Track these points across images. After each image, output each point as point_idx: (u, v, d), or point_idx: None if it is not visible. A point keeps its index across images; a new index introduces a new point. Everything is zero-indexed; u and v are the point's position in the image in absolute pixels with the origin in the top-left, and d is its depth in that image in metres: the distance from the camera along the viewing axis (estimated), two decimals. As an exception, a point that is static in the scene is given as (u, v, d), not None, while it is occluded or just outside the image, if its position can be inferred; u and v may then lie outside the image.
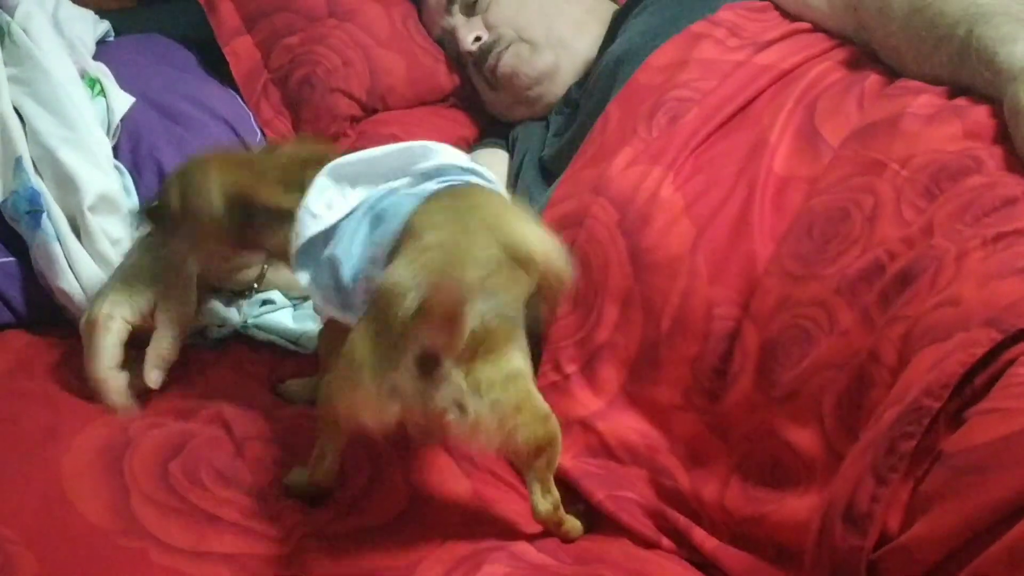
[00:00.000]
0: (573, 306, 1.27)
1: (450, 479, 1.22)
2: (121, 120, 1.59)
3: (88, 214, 1.42)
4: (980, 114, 1.19)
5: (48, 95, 1.49)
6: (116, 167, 1.53)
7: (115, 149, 1.57)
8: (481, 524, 1.17)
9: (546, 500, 1.10)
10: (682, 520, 1.18)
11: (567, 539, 1.16)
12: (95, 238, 1.41)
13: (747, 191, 1.24)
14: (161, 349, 1.31)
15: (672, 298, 1.22)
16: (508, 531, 1.16)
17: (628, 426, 1.24)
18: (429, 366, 1.00)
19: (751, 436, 1.15)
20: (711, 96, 1.34)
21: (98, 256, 1.41)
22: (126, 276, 1.34)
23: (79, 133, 1.47)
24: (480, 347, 1.01)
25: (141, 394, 1.30)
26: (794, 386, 1.11)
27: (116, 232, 1.44)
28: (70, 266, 1.41)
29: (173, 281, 1.34)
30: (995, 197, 1.09)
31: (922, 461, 0.92)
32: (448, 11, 1.80)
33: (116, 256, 1.41)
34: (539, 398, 1.07)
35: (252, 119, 1.75)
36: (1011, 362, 0.92)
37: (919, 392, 0.93)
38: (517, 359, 1.05)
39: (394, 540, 1.13)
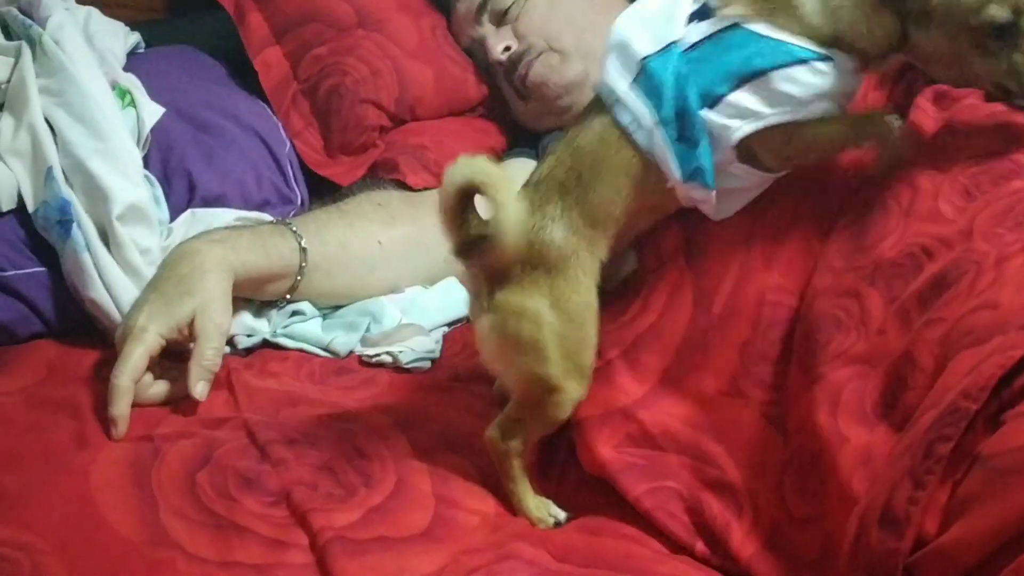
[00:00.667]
0: (619, 291, 1.26)
1: (476, 495, 1.22)
2: (151, 131, 1.60)
3: (117, 224, 1.43)
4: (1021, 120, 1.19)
5: (79, 106, 1.50)
6: (146, 177, 1.54)
7: (145, 159, 1.58)
8: (502, 537, 1.16)
9: (496, 430, 1.17)
10: (720, 518, 1.15)
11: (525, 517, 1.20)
12: (124, 248, 1.42)
13: (807, 182, 1.23)
14: (205, 360, 1.31)
15: (726, 284, 1.21)
16: (528, 543, 1.15)
17: (670, 412, 1.21)
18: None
19: (800, 428, 1.13)
20: None
21: (127, 266, 1.42)
22: (163, 287, 1.34)
23: (109, 144, 1.48)
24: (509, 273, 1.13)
25: (179, 402, 1.32)
26: (821, 371, 1.10)
27: (145, 242, 1.45)
28: (100, 276, 1.42)
29: (214, 290, 1.34)
30: None
31: (960, 464, 0.92)
32: (477, 21, 1.80)
33: (145, 266, 1.42)
34: (553, 363, 1.13)
35: (281, 130, 1.75)
36: None
37: (957, 395, 0.93)
38: (539, 303, 1.12)
39: (418, 548, 1.13)
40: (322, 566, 1.10)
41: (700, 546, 1.16)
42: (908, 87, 1.30)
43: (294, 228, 1.49)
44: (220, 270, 1.37)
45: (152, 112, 1.62)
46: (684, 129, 1.14)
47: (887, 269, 1.11)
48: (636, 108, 1.16)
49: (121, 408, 1.27)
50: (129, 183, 1.47)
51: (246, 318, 1.46)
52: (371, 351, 1.43)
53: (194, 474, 1.20)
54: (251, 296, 1.47)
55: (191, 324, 1.33)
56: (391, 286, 1.55)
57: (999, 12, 1.08)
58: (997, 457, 0.89)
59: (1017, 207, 1.09)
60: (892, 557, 0.92)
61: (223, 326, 1.35)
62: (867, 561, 0.94)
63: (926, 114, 1.25)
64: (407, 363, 1.41)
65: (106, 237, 1.44)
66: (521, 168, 1.67)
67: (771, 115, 1.13)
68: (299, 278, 1.47)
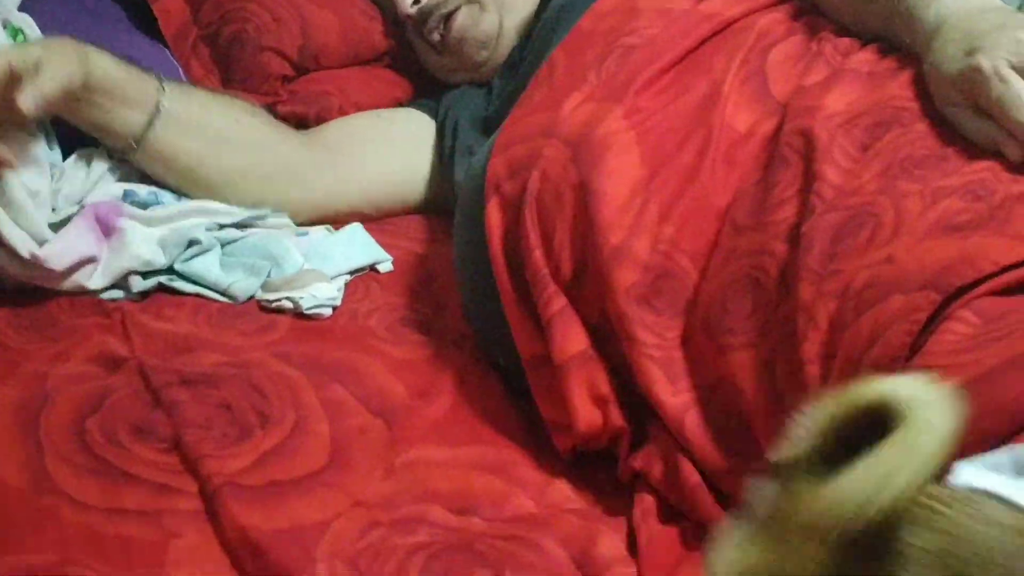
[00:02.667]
0: (541, 242, 1.24)
1: (374, 441, 1.21)
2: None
3: None
4: (914, 73, 1.18)
5: None
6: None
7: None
8: (400, 488, 1.15)
9: None
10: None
11: None
12: (12, 189, 1.36)
13: (701, 141, 1.22)
14: (42, 83, 1.32)
15: (618, 230, 1.19)
16: (425, 498, 1.14)
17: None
18: None
19: (708, 385, 1.14)
20: (658, 39, 1.33)
21: (16, 209, 1.37)
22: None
23: None
24: None
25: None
26: (746, 337, 1.10)
27: (35, 185, 1.40)
28: None
29: (68, 52, 1.38)
30: (926, 149, 1.09)
31: None
32: None
33: (35, 208, 1.38)
34: None
35: (181, 75, 1.71)
36: (946, 319, 0.93)
37: (870, 367, 0.94)
38: None
39: (311, 495, 1.11)
40: (211, 513, 1.08)
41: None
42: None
43: (159, 76, 1.50)
44: (79, 52, 1.39)
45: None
46: None
47: (794, 222, 1.10)
48: None
49: None
50: None
51: (141, 249, 1.42)
52: (271, 296, 1.40)
53: (84, 420, 1.17)
54: (102, 124, 1.46)
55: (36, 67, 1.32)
56: (238, 173, 1.53)
57: None
58: None
59: (908, 155, 1.09)
60: None
61: (74, 75, 1.37)
62: None
63: (826, 63, 1.25)
64: (307, 309, 1.39)
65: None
66: (408, 117, 1.66)
67: None
68: (155, 116, 1.46)
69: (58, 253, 1.37)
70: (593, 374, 1.20)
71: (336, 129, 1.66)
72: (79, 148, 1.50)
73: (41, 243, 1.37)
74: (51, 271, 1.37)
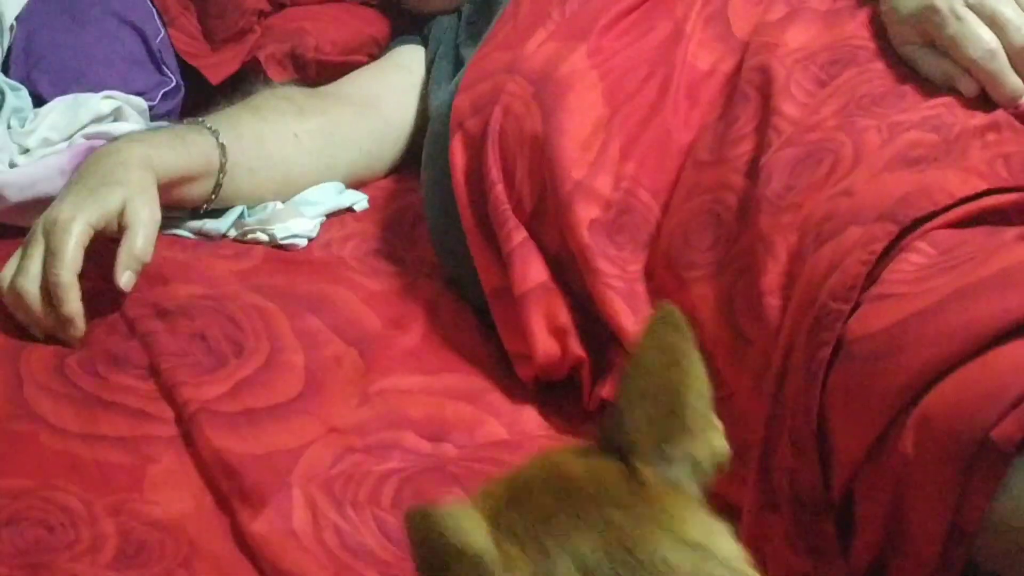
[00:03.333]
0: (502, 176, 1.26)
1: (348, 369, 1.22)
2: (16, 18, 1.56)
3: None
4: (871, 12, 1.21)
5: None
6: (5, 84, 1.50)
7: (9, 50, 1.54)
8: (373, 416, 1.17)
9: None
10: None
11: None
12: None
13: (663, 79, 1.24)
14: (136, 249, 1.22)
15: (579, 166, 1.21)
16: (398, 425, 1.16)
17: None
18: None
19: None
20: None
21: None
22: (87, 181, 1.27)
23: None
24: None
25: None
26: (706, 270, 1.12)
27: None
28: None
29: (141, 182, 1.28)
30: (884, 86, 1.12)
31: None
32: None
33: None
34: None
35: (155, 15, 1.70)
36: (903, 250, 0.95)
37: (826, 295, 0.95)
38: None
39: (285, 422, 1.13)
40: (187, 438, 1.10)
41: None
42: None
43: (208, 125, 1.43)
44: (143, 168, 1.30)
45: (13, 3, 1.56)
46: None
47: (751, 157, 1.12)
48: None
49: (74, 304, 1.19)
50: None
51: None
52: (245, 230, 1.42)
53: (64, 357, 1.19)
54: (175, 203, 1.39)
55: (120, 215, 1.25)
56: (315, 181, 1.51)
57: None
58: (858, 343, 0.92)
59: (866, 92, 1.11)
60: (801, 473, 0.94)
61: (155, 215, 1.27)
62: (792, 487, 0.96)
63: (786, 2, 1.27)
64: (282, 239, 1.40)
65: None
66: (413, 55, 1.66)
67: None
68: (222, 175, 1.41)
69: (15, 184, 1.36)
70: (552, 305, 1.22)
71: (362, 86, 1.63)
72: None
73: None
74: (6, 201, 1.36)
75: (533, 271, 1.23)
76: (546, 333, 1.21)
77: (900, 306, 0.91)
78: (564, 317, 1.22)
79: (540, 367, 1.22)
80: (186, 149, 1.38)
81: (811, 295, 0.97)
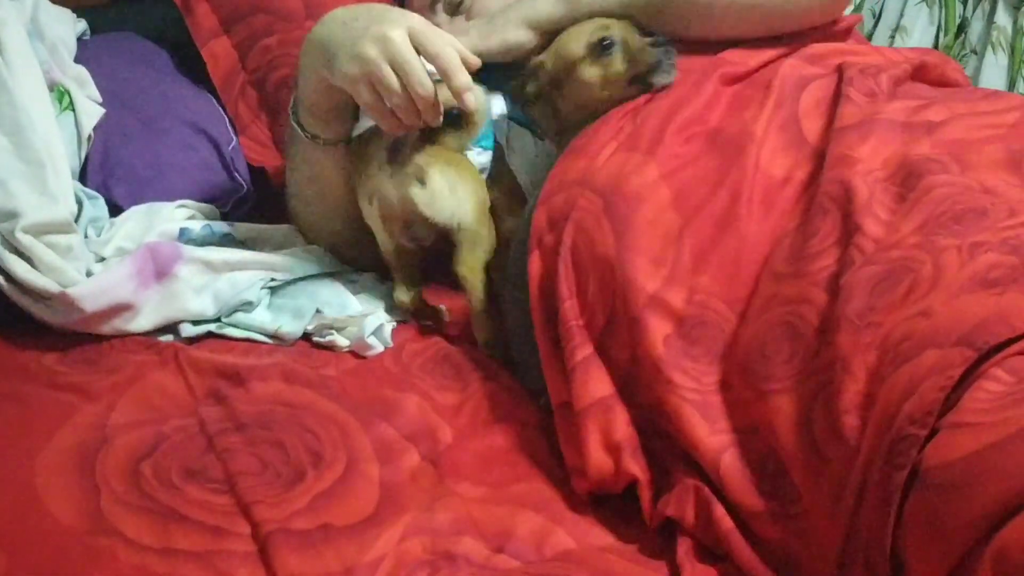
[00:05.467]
0: (574, 292, 1.27)
1: (422, 480, 1.24)
2: (94, 128, 1.60)
3: (20, 234, 1.38)
4: (951, 130, 1.22)
5: (9, 119, 1.45)
6: (83, 194, 1.54)
7: (87, 159, 1.58)
8: (445, 526, 1.17)
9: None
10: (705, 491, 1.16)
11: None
12: (32, 248, 1.38)
13: (734, 186, 1.25)
14: (453, 58, 1.35)
15: (652, 281, 1.22)
16: (471, 535, 1.17)
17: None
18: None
19: (746, 428, 1.15)
20: (680, 87, 1.37)
21: (42, 264, 1.39)
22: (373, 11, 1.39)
23: (33, 159, 1.44)
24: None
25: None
26: (784, 383, 1.11)
27: (66, 242, 1.41)
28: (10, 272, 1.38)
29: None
30: (963, 204, 1.11)
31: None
32: (432, 10, 1.79)
33: (69, 261, 1.40)
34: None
35: (227, 123, 1.75)
36: (980, 377, 0.95)
37: (904, 420, 0.95)
38: None
39: (360, 537, 1.14)
40: (264, 556, 1.10)
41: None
42: None
43: None
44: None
45: (91, 114, 1.61)
46: None
47: (835, 272, 1.12)
48: None
49: (464, 77, 1.35)
50: (46, 199, 1.42)
51: (191, 303, 1.45)
52: (322, 336, 1.44)
53: (139, 463, 1.20)
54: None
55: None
56: None
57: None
58: (935, 471, 0.92)
59: (947, 210, 1.11)
60: None
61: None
62: None
63: (857, 106, 1.27)
64: (356, 340, 1.43)
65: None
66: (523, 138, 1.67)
67: None
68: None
69: (90, 294, 1.39)
70: (610, 422, 1.22)
71: None
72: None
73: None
74: (82, 311, 1.38)
75: (594, 386, 1.23)
76: (601, 449, 1.22)
77: (977, 436, 0.91)
78: (621, 434, 1.22)
79: (593, 482, 1.22)
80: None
81: (889, 417, 0.97)
